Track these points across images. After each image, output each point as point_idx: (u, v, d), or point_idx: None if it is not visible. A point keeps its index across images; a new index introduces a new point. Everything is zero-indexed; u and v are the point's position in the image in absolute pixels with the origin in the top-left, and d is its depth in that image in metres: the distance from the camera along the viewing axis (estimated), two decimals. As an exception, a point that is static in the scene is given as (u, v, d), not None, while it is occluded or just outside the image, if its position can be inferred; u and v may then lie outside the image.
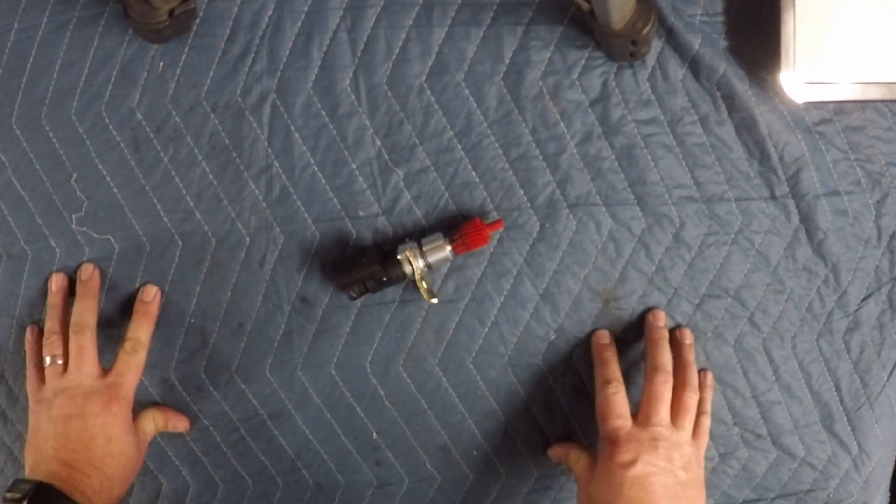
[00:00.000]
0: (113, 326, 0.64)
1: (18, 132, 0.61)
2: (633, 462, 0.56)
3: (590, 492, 0.58)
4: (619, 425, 0.58)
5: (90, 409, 0.58)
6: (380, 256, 0.60)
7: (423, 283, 0.60)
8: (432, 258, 0.59)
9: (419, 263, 0.59)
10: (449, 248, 0.59)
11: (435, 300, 0.60)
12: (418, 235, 0.61)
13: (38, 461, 0.57)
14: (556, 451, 0.66)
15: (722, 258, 0.63)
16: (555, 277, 0.63)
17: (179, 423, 0.65)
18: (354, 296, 0.61)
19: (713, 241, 0.63)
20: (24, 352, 0.64)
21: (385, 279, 0.59)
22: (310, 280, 0.63)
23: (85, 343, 0.60)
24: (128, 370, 0.60)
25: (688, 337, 0.63)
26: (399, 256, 0.59)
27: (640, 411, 0.59)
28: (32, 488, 0.52)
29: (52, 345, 0.61)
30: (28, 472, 0.57)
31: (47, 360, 0.61)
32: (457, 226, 0.60)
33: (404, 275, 0.59)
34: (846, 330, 0.66)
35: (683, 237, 0.63)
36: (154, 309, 0.63)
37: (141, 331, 0.61)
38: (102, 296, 0.63)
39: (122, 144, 0.61)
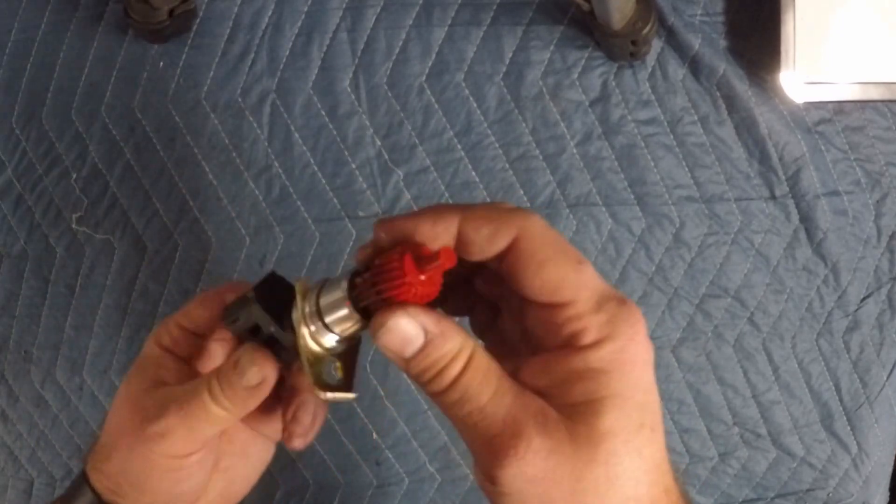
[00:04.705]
0: (112, 327, 0.64)
1: (18, 132, 0.61)
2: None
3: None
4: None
5: None
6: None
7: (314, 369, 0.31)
8: (342, 331, 0.31)
9: (323, 344, 0.31)
10: (357, 321, 0.30)
11: (338, 395, 0.32)
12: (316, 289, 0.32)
13: None
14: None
15: (722, 258, 0.63)
16: (555, 277, 0.63)
17: None
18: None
19: (713, 241, 0.63)
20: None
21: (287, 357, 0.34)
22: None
23: None
24: None
25: None
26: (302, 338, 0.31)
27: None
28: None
29: None
30: None
31: None
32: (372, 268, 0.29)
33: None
34: (846, 330, 0.66)
35: (683, 237, 0.63)
36: None
37: None
38: (103, 296, 0.63)
39: (122, 144, 0.61)
